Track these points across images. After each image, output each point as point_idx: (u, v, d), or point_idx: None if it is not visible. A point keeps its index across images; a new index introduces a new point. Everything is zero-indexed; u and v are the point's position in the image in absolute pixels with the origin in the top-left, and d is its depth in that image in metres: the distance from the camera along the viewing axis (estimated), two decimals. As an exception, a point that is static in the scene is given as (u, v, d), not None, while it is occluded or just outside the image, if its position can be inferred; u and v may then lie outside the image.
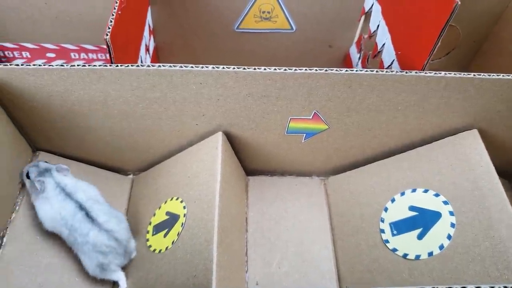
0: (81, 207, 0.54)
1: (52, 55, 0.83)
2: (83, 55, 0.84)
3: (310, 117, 0.60)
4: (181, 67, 0.51)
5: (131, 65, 0.51)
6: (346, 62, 0.87)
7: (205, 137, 0.62)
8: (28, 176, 0.56)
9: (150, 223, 0.61)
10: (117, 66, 0.51)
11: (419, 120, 0.60)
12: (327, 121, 0.61)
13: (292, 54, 0.86)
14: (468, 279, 0.52)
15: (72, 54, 0.84)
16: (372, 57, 0.73)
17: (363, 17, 0.79)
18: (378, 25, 0.71)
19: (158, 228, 0.59)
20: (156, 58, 0.85)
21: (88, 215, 0.54)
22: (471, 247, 0.53)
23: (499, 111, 0.59)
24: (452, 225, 0.56)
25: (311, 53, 0.86)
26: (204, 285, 0.48)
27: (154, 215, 0.61)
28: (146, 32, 0.75)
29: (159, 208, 0.61)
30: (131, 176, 0.71)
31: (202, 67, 0.51)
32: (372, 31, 0.74)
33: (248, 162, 0.69)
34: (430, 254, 0.56)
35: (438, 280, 0.54)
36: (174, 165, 0.64)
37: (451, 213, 0.57)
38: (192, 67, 0.51)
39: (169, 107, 0.57)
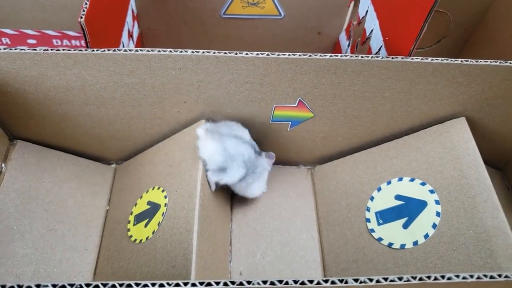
0: None
1: (33, 41, 0.81)
2: (65, 41, 0.82)
3: (295, 105, 0.58)
4: (159, 51, 0.49)
5: (108, 50, 0.49)
6: (336, 49, 0.86)
7: (188, 125, 0.60)
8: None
9: (131, 213, 0.59)
10: (93, 50, 0.49)
11: (406, 107, 0.59)
12: (312, 108, 0.59)
13: (281, 41, 0.84)
14: (452, 268, 0.51)
15: (54, 40, 0.81)
16: (361, 44, 0.71)
17: (352, 3, 0.77)
18: (367, 11, 0.69)
19: (139, 218, 0.58)
20: (140, 45, 0.82)
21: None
22: (456, 236, 0.52)
23: (487, 99, 0.58)
24: (438, 214, 0.55)
25: (300, 40, 0.85)
26: (183, 275, 0.47)
27: (136, 205, 0.60)
28: (129, 18, 0.72)
29: (141, 197, 0.60)
30: (113, 165, 0.69)
31: (181, 51, 0.50)
32: (361, 17, 0.72)
33: (233, 151, 0.68)
34: (415, 243, 0.55)
35: (422, 269, 0.53)
36: (157, 153, 0.63)
37: (437, 202, 0.56)
38: (170, 51, 0.50)
39: (148, 93, 0.55)
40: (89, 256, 0.59)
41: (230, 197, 0.66)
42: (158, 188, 0.58)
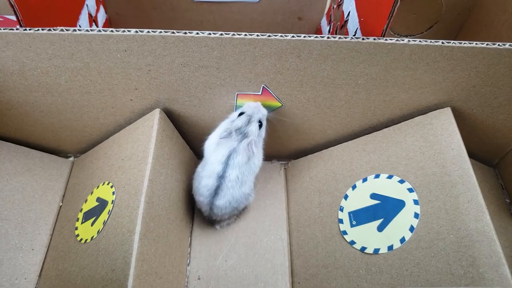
0: None
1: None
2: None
3: (260, 93, 0.53)
4: (99, 31, 0.44)
5: (42, 29, 0.44)
6: (319, 36, 0.80)
7: (143, 114, 0.55)
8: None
9: (81, 210, 0.55)
10: (25, 30, 0.44)
11: (383, 96, 0.53)
12: (279, 97, 0.54)
13: (258, 27, 0.78)
14: (429, 277, 0.45)
15: None
16: (339, 28, 0.65)
17: (333, -15, 0.71)
18: (347, -8, 0.63)
19: (87, 216, 0.53)
20: (109, 31, 0.77)
21: None
22: (435, 240, 0.46)
23: (475, 87, 0.52)
24: (416, 215, 0.49)
25: (280, 26, 0.79)
26: (121, 281, 0.42)
27: (86, 201, 0.55)
28: (90, 1, 0.67)
29: (91, 193, 0.55)
30: (72, 158, 0.65)
31: (124, 31, 0.44)
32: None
33: (198, 144, 0.62)
34: (390, 248, 0.49)
35: (397, 278, 0.47)
36: (111, 146, 0.58)
37: (416, 202, 0.50)
38: (112, 31, 0.44)
39: (95, 79, 0.50)
40: (35, 256, 0.54)
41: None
42: (108, 184, 0.53)
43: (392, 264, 0.48)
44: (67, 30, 0.44)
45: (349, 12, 0.60)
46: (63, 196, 0.60)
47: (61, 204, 0.59)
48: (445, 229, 0.46)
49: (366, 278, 0.49)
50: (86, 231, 0.51)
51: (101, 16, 0.73)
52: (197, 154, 0.64)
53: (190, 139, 0.61)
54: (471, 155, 0.66)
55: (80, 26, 0.62)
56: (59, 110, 0.55)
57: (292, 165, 0.65)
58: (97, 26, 0.71)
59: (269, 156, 0.66)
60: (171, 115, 0.56)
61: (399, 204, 0.51)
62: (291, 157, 0.66)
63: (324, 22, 0.76)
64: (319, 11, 0.75)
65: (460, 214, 0.46)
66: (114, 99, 0.53)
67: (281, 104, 0.55)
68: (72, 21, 0.60)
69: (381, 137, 0.57)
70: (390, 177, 0.54)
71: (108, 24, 0.77)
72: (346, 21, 0.62)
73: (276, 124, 0.58)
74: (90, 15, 0.68)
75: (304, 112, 0.56)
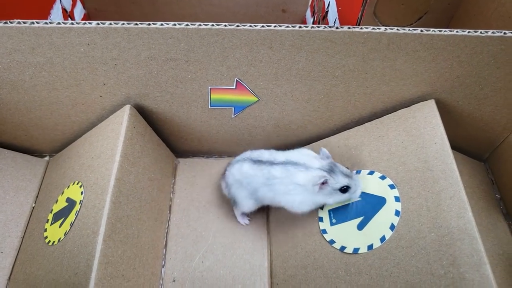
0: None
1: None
2: None
3: (234, 87, 0.51)
4: (58, 23, 0.42)
5: (-1, 22, 0.42)
6: (304, 30, 0.77)
7: (114, 110, 0.53)
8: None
9: (51, 211, 0.53)
10: (-19, 22, 0.42)
11: (363, 88, 0.51)
12: (254, 91, 0.51)
13: (241, 21, 0.76)
14: (409, 278, 0.43)
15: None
16: (322, 19, 0.63)
17: (317, -25, 0.69)
18: (328, -18, 0.61)
19: (56, 217, 0.51)
20: (88, 27, 0.75)
21: None
22: (416, 239, 0.44)
23: (459, 77, 0.49)
24: (397, 213, 0.47)
25: (263, 19, 0.76)
26: (83, 285, 0.40)
27: (56, 202, 0.53)
28: (65, -5, 0.65)
29: (62, 193, 0.53)
30: (47, 158, 0.63)
31: (85, 24, 0.42)
32: (323, -11, 0.64)
33: (175, 141, 0.61)
34: (370, 247, 0.47)
35: (376, 279, 0.45)
36: (83, 144, 0.56)
37: (397, 199, 0.48)
38: (72, 23, 0.42)
39: (61, 75, 0.48)
40: (5, 259, 0.52)
41: (170, 193, 0.59)
42: (78, 183, 0.51)
43: (372, 264, 0.46)
44: (24, 22, 0.42)
45: (329, 3, 0.58)
46: (37, 196, 0.58)
47: (34, 205, 0.58)
48: (426, 227, 0.44)
49: (345, 279, 0.47)
50: (54, 233, 0.49)
51: (79, 12, 0.72)
52: (174, 152, 0.62)
53: (166, 136, 0.59)
54: (460, 149, 0.64)
55: (52, 21, 0.60)
56: (27, 108, 0.53)
57: (273, 162, 0.63)
58: (74, 22, 0.69)
59: (250, 153, 0.63)
60: (143, 112, 0.54)
61: (380, 201, 0.49)
62: (273, 154, 0.63)
63: (308, 14, 0.73)
64: (303, 3, 0.73)
65: (441, 211, 0.44)
66: (83, 96, 0.51)
67: (257, 99, 0.53)
68: (42, 17, 0.58)
69: (363, 131, 0.55)
70: (371, 173, 0.51)
71: (86, 20, 0.75)
72: (327, 12, 0.59)
73: (252, 119, 0.56)
74: (64, 10, 0.66)
75: (282, 107, 0.54)
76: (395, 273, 0.44)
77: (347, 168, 0.49)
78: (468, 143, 0.61)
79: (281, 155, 0.50)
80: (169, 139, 0.60)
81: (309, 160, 0.48)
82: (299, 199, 0.48)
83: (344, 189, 0.48)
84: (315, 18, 0.68)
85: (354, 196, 0.49)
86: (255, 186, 0.50)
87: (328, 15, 0.58)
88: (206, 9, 0.75)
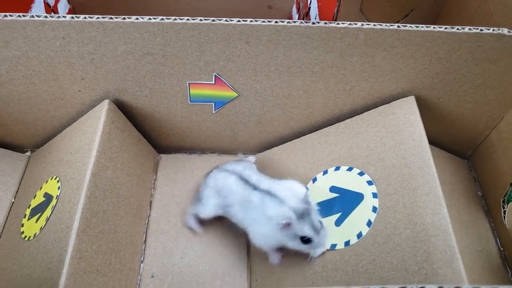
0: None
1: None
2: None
3: (212, 82, 0.50)
4: (32, 16, 0.42)
5: (-28, 15, 0.42)
6: (291, 26, 0.77)
7: (94, 105, 0.53)
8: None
9: (29, 206, 0.53)
10: (-46, 15, 0.42)
11: (343, 85, 0.51)
12: (234, 87, 0.51)
13: (227, 16, 0.76)
14: (384, 274, 0.43)
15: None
16: (305, 15, 0.62)
17: (302, -29, 0.69)
18: (312, -23, 0.61)
19: (34, 212, 0.51)
20: (72, 22, 0.75)
21: None
22: (391, 236, 0.44)
23: (438, 74, 0.49)
24: (374, 209, 0.47)
25: (250, 15, 0.75)
26: (54, 280, 0.40)
27: (35, 196, 0.53)
28: (47, -11, 0.65)
29: (40, 188, 0.53)
30: (28, 153, 0.63)
31: (59, 17, 0.42)
32: (307, -15, 0.64)
33: (157, 137, 0.60)
34: (347, 243, 0.47)
35: (352, 275, 0.45)
36: (63, 139, 0.55)
37: (375, 195, 0.48)
38: (46, 16, 0.42)
39: (38, 69, 0.48)
40: (-18, 254, 0.52)
41: (151, 189, 0.59)
42: (55, 178, 0.51)
43: (348, 261, 0.46)
44: (-2, 16, 0.42)
45: (311, -2, 0.58)
46: (16, 192, 0.58)
47: (13, 200, 0.57)
48: (402, 223, 0.44)
49: (322, 275, 0.47)
50: (30, 228, 0.49)
51: (63, 6, 0.71)
52: (156, 147, 0.61)
53: (147, 132, 0.59)
54: (444, 147, 0.64)
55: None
56: (5, 103, 0.53)
57: (258, 159, 0.63)
58: (57, 16, 0.68)
59: (233, 149, 0.63)
60: (123, 107, 0.53)
61: (358, 198, 0.49)
62: (256, 150, 0.63)
63: (294, 10, 0.73)
64: (288, -1, 0.73)
65: (417, 208, 0.44)
66: (61, 90, 0.51)
67: (237, 94, 0.52)
68: (23, 11, 0.58)
69: (343, 128, 0.55)
70: (350, 169, 0.51)
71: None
72: (310, 8, 0.59)
73: (233, 115, 0.56)
74: (47, 4, 0.65)
75: (263, 103, 0.54)
76: (370, 270, 0.44)
77: (320, 222, 0.46)
78: (450, 140, 0.61)
79: (266, 183, 0.49)
80: (151, 134, 0.59)
81: (288, 197, 0.46)
82: (263, 231, 0.47)
83: (306, 240, 0.45)
84: (300, 14, 0.68)
85: (313, 252, 0.46)
86: (230, 201, 0.49)
87: (311, 11, 0.58)
88: (191, 4, 0.74)
